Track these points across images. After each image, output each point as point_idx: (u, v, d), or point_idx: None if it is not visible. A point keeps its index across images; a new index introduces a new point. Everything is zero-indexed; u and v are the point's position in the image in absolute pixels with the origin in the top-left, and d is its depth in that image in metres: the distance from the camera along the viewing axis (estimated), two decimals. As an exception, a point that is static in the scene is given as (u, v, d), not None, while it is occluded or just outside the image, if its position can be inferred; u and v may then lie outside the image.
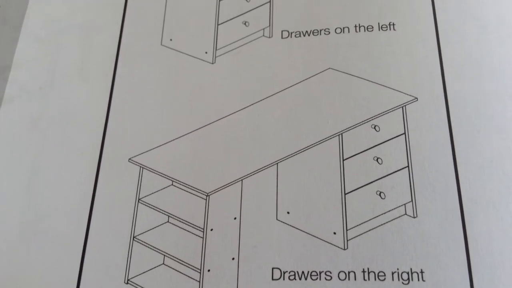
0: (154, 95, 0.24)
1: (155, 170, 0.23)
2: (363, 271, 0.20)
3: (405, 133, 0.22)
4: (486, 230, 0.20)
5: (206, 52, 0.25)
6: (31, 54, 0.26)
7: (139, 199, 0.22)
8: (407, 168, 0.21)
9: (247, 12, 0.26)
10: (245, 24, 0.26)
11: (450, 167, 0.21)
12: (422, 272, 0.19)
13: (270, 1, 0.26)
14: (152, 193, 0.22)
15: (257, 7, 0.26)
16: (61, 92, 0.25)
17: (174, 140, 0.23)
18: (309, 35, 0.25)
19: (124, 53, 0.25)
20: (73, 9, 0.26)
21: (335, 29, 0.25)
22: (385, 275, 0.19)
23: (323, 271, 0.20)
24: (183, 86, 0.24)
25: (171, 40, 0.26)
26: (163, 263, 0.21)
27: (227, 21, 0.26)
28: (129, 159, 0.23)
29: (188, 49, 0.25)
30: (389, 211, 0.20)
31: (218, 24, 0.26)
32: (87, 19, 0.26)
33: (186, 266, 0.21)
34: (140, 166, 0.23)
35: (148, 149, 0.23)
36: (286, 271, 0.20)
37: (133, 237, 0.21)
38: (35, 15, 0.27)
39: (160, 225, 0.22)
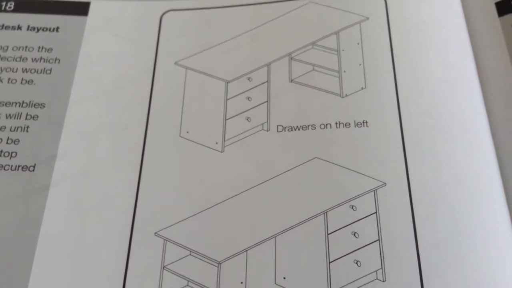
0: (174, 179, 0.30)
1: (176, 242, 0.28)
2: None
3: (376, 212, 0.27)
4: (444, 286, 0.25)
5: (216, 143, 0.31)
6: (72, 147, 0.31)
7: (163, 267, 0.27)
8: (378, 241, 0.27)
9: (249, 109, 0.32)
10: (247, 119, 0.32)
11: (412, 241, 0.26)
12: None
13: (268, 101, 0.32)
14: (174, 261, 0.27)
15: (257, 106, 0.32)
16: (98, 179, 0.30)
17: (191, 217, 0.29)
18: (299, 130, 0.31)
19: (149, 144, 0.31)
20: (105, 110, 0.32)
21: (320, 125, 0.30)
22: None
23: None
24: (198, 171, 0.30)
25: (187, 132, 0.31)
26: (184, 320, 0.26)
27: (233, 117, 0.32)
28: (155, 233, 0.28)
29: (202, 140, 0.31)
30: (364, 276, 0.26)
31: (226, 119, 0.32)
32: (118, 118, 0.32)
33: (203, 322, 0.26)
34: (164, 239, 0.28)
35: (170, 224, 0.28)
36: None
37: (160, 297, 0.27)
38: (74, 114, 0.32)
39: (182, 288, 0.27)
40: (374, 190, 0.28)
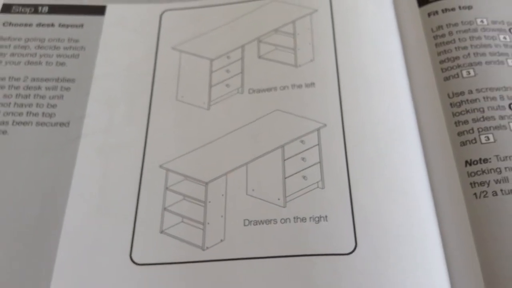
0: (173, 129, 0.40)
1: (175, 171, 0.38)
2: (294, 218, 0.35)
3: (318, 144, 0.38)
4: (366, 191, 0.35)
5: (204, 103, 0.41)
6: (96, 109, 0.40)
7: (167, 187, 0.37)
8: (319, 163, 0.37)
9: (228, 79, 0.42)
10: (227, 86, 0.42)
11: (343, 162, 0.36)
12: (326, 216, 0.35)
13: (242, 72, 0.42)
14: (174, 183, 0.38)
15: (234, 76, 0.42)
16: (117, 131, 0.39)
17: (185, 154, 0.39)
18: (264, 92, 0.41)
19: (154, 106, 0.40)
20: (120, 82, 0.41)
21: (280, 87, 0.41)
22: (306, 219, 0.35)
23: (272, 219, 0.35)
24: (190, 123, 0.40)
25: (182, 96, 0.42)
26: (182, 221, 0.36)
27: (216, 84, 0.42)
28: (160, 165, 0.38)
29: (193, 101, 0.40)
30: (309, 185, 0.36)
31: (211, 86, 0.42)
32: (130, 88, 0.41)
33: (196, 221, 0.36)
34: (166, 170, 0.38)
35: (171, 159, 0.38)
36: (252, 220, 0.35)
37: (164, 208, 0.37)
38: (97, 86, 0.41)
39: (179, 201, 0.37)
40: (317, 129, 0.38)
